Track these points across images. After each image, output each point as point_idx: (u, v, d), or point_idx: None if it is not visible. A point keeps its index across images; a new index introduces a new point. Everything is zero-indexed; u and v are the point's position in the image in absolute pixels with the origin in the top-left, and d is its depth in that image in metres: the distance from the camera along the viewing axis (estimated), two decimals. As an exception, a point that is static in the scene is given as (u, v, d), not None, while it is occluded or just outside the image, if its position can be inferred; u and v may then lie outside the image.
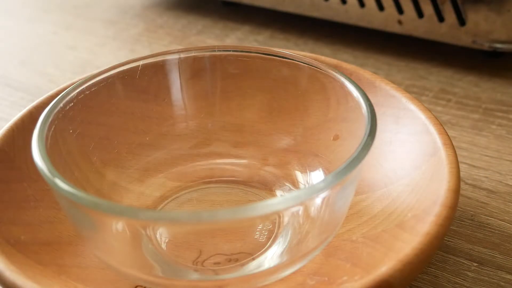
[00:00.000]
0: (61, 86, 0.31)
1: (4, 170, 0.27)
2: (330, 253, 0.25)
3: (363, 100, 0.24)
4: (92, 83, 0.27)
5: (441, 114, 0.37)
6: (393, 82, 0.30)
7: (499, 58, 0.42)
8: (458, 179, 0.24)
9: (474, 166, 0.32)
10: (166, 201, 0.29)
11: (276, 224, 0.26)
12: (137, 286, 0.24)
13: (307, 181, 0.29)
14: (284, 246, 0.25)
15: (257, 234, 0.26)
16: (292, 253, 0.25)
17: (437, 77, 0.41)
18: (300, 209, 0.24)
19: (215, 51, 0.30)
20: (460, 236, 0.28)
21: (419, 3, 0.40)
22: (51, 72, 0.45)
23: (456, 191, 0.24)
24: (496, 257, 0.26)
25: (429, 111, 0.28)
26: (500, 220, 0.28)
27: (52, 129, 0.24)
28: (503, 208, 0.29)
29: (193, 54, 0.30)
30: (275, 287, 0.23)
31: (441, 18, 0.40)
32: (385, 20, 0.42)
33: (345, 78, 0.26)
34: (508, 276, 0.25)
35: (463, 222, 0.28)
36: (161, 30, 0.51)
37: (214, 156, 0.31)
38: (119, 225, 0.22)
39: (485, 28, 0.38)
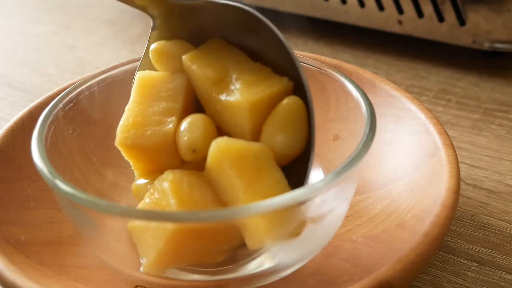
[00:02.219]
0: (61, 86, 0.31)
1: (4, 170, 0.27)
2: (330, 253, 0.25)
3: (363, 100, 0.24)
4: (92, 83, 0.27)
5: (441, 114, 0.37)
6: (393, 82, 0.30)
7: (499, 58, 0.42)
8: (458, 179, 0.24)
9: (474, 166, 0.32)
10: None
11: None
12: (137, 286, 0.24)
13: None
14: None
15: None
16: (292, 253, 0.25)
17: (437, 77, 0.41)
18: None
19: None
20: (460, 236, 0.28)
21: (419, 3, 0.40)
22: (51, 72, 0.45)
23: (456, 191, 0.24)
24: (496, 257, 0.26)
25: (429, 111, 0.28)
26: (500, 220, 0.28)
27: (52, 129, 0.24)
28: (503, 208, 0.29)
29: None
30: (275, 287, 0.23)
31: (441, 18, 0.40)
32: (385, 20, 0.42)
33: (345, 78, 0.26)
34: (508, 276, 0.25)
35: (463, 222, 0.28)
36: (161, 30, 0.51)
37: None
38: (119, 225, 0.22)
39: (485, 28, 0.38)
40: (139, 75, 0.25)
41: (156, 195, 0.22)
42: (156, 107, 0.24)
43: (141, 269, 0.21)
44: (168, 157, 0.24)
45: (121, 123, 0.24)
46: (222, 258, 0.22)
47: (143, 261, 0.21)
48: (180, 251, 0.21)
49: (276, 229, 0.20)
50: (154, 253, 0.21)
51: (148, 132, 0.23)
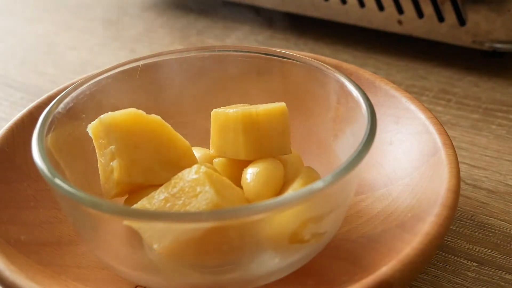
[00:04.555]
0: (61, 86, 0.31)
1: (4, 170, 0.27)
2: (330, 253, 0.25)
3: (363, 100, 0.24)
4: (92, 83, 0.27)
5: (441, 114, 0.37)
6: (393, 82, 0.30)
7: (499, 58, 0.42)
8: (458, 179, 0.24)
9: (474, 166, 0.32)
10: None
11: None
12: (137, 286, 0.24)
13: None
14: (284, 246, 0.25)
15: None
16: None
17: (437, 77, 0.41)
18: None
19: (215, 51, 0.30)
20: (460, 236, 0.28)
21: (419, 3, 0.40)
22: (51, 72, 0.45)
23: (456, 191, 0.24)
24: (496, 257, 0.26)
25: (429, 111, 0.28)
26: (500, 220, 0.28)
27: (52, 129, 0.24)
28: (503, 208, 0.29)
29: (193, 54, 0.30)
30: (275, 287, 0.23)
31: (441, 18, 0.40)
32: (385, 20, 0.42)
33: (345, 78, 0.26)
34: (508, 276, 0.25)
35: (463, 222, 0.28)
36: (161, 30, 0.51)
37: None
38: (119, 225, 0.22)
39: (485, 28, 0.38)
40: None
41: (182, 184, 0.22)
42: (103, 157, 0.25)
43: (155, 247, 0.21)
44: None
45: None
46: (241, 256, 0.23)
47: (156, 246, 0.21)
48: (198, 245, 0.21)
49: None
50: (173, 237, 0.21)
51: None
